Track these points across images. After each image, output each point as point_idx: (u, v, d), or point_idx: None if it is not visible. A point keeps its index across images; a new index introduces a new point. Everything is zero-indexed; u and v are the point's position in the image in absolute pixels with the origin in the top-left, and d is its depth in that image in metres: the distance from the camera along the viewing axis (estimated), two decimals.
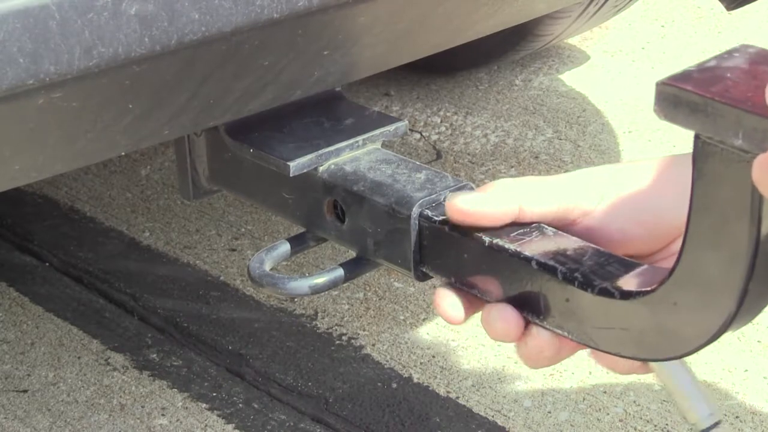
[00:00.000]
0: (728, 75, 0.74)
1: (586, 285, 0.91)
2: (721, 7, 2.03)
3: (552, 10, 1.81)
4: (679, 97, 0.75)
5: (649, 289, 0.87)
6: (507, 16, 1.40)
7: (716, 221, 0.79)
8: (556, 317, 0.93)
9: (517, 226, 1.00)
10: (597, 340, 0.92)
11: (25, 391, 1.89)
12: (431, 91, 2.77)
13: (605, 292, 0.90)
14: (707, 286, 0.82)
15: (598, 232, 0.97)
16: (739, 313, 0.82)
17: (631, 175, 0.98)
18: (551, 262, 0.93)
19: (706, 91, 0.73)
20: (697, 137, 0.77)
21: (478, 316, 0.98)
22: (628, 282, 0.90)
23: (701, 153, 0.77)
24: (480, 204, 0.97)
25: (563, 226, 0.98)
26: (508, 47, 2.62)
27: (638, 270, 0.92)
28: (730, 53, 0.78)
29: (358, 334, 1.99)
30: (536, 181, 1.00)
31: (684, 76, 0.75)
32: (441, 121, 2.64)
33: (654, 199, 0.96)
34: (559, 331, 0.94)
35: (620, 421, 1.79)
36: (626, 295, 0.89)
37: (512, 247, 0.96)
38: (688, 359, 0.90)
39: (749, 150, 0.73)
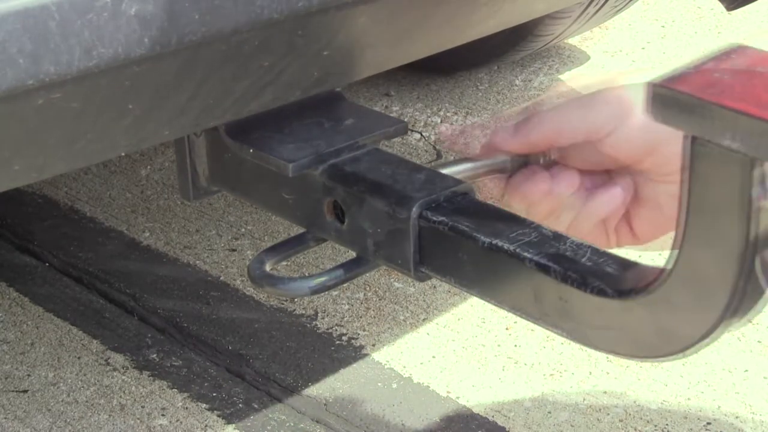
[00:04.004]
0: (722, 76, 0.74)
1: (582, 284, 0.91)
2: (721, 7, 2.03)
3: (552, 11, 1.81)
4: (673, 98, 0.74)
5: (645, 288, 0.87)
6: (507, 17, 1.41)
7: (711, 221, 0.79)
8: (552, 316, 0.94)
9: (515, 226, 1.00)
10: (594, 340, 0.92)
11: (25, 391, 1.90)
12: (431, 91, 2.77)
13: (601, 292, 0.90)
14: (703, 285, 0.82)
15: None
16: (735, 311, 0.82)
17: None
18: (547, 262, 0.94)
19: (700, 92, 0.73)
20: (691, 138, 0.77)
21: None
22: (624, 281, 0.90)
23: (695, 154, 0.77)
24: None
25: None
26: (508, 47, 2.62)
27: (634, 269, 0.92)
28: (726, 53, 0.78)
29: (358, 334, 2.00)
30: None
31: (676, 77, 0.75)
32: (441, 121, 2.64)
33: None
34: (557, 331, 0.95)
35: (620, 421, 1.79)
36: (622, 295, 0.89)
37: (510, 247, 0.96)
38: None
39: (744, 152, 0.73)
